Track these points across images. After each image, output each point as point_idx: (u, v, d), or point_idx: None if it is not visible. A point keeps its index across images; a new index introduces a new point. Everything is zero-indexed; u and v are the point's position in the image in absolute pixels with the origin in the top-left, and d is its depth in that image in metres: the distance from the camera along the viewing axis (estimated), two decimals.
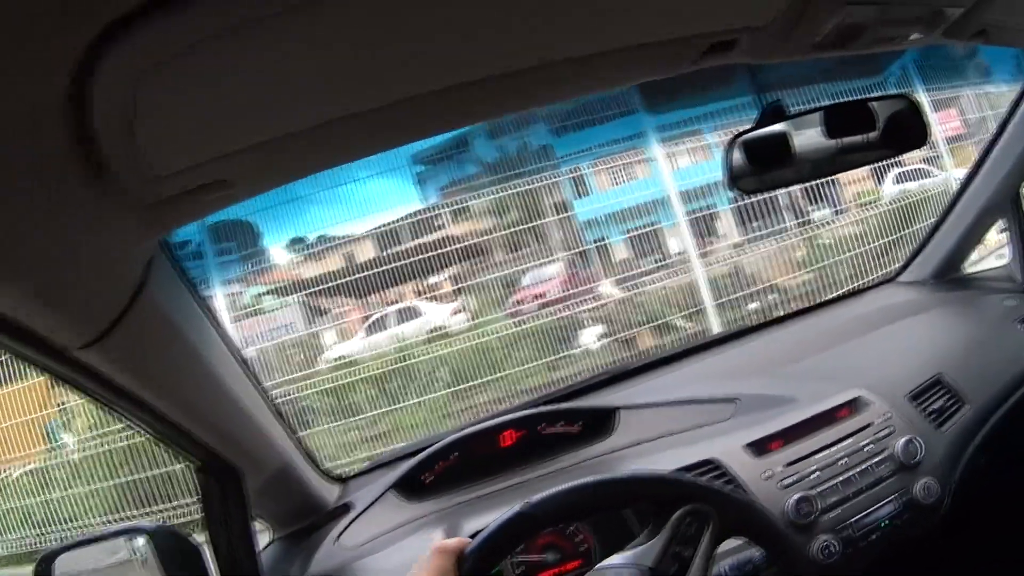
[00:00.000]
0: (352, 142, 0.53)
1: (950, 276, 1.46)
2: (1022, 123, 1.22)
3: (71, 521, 4.77)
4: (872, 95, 0.88)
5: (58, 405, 5.11)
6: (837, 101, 0.88)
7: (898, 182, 5.32)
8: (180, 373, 0.73)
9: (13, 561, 5.07)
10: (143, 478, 4.44)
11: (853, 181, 5.17)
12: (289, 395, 3.97)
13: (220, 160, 0.47)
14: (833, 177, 4.89)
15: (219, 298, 4.07)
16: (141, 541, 0.90)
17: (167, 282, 0.66)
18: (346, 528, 1.09)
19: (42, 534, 4.89)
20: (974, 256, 1.52)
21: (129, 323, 0.57)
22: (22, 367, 4.92)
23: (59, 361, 0.56)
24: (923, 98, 5.15)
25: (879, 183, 5.32)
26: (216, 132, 0.45)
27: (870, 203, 5.09)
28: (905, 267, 1.52)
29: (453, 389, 3.92)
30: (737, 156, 0.85)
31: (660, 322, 4.09)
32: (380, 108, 0.47)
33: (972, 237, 1.42)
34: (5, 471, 5.20)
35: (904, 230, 4.88)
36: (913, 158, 5.60)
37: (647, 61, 0.58)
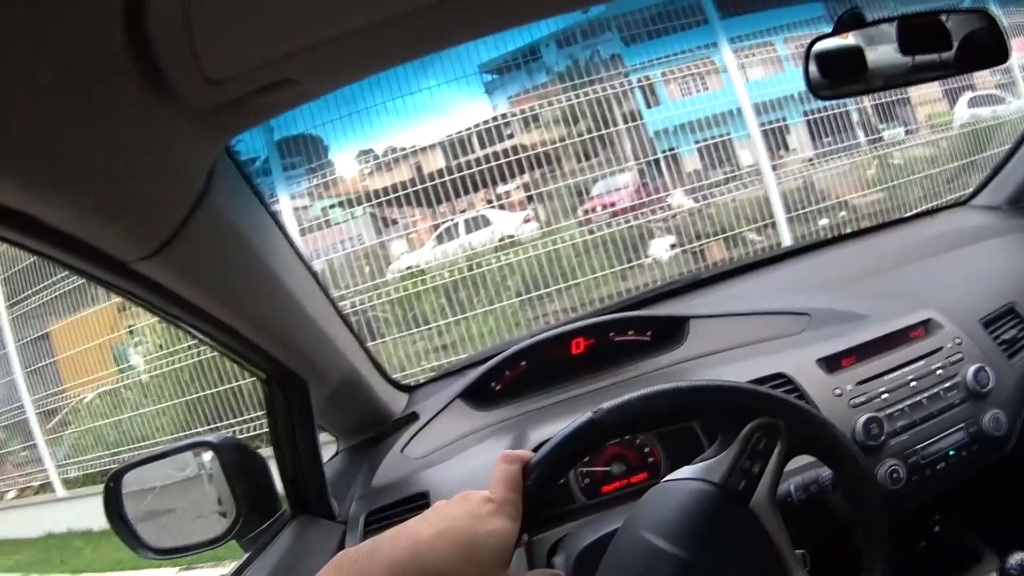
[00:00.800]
0: (421, 37, 0.49)
1: None
2: None
3: (142, 440, 4.95)
4: (950, 7, 0.85)
5: (127, 328, 5.27)
6: (914, 12, 0.86)
7: (972, 106, 5.15)
8: (246, 283, 0.70)
9: (88, 481, 5.31)
10: (211, 394, 4.57)
11: (926, 102, 5.02)
12: (357, 306, 4.03)
13: (284, 59, 0.45)
14: (906, 96, 4.75)
15: (287, 211, 4.12)
16: (208, 456, 0.92)
17: (232, 189, 0.64)
18: (412, 437, 1.08)
19: (115, 454, 5.09)
20: None
21: (191, 233, 0.55)
22: (90, 292, 5.08)
23: (120, 275, 0.55)
24: (1001, 17, 4.94)
25: (952, 106, 5.16)
26: (278, 30, 0.43)
27: (943, 125, 4.95)
28: (979, 191, 1.46)
29: (522, 298, 3.93)
30: (814, 64, 0.85)
31: (730, 234, 4.04)
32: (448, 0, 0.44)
33: None
34: (79, 395, 5.41)
35: (976, 155, 4.74)
36: (987, 83, 5.41)
37: None
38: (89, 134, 0.41)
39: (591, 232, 3.95)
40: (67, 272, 0.57)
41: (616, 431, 0.58)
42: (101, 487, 0.90)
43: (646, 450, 0.95)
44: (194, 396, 4.71)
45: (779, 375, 0.95)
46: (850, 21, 0.82)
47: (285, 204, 4.21)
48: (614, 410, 0.56)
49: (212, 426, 4.63)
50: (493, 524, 0.50)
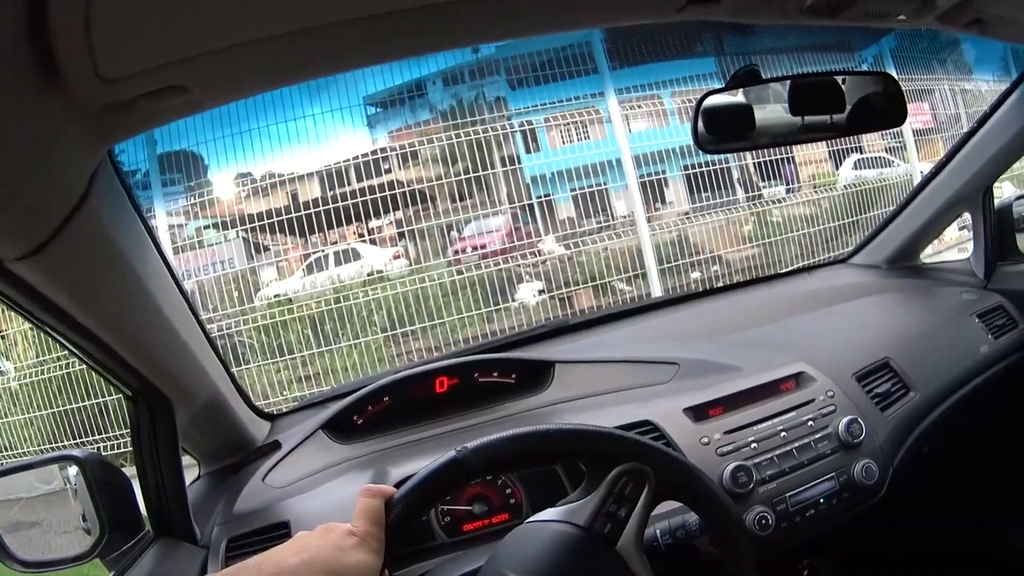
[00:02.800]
0: (319, 56, 0.50)
1: (906, 264, 1.46)
2: (1004, 120, 1.21)
3: (7, 449, 4.74)
4: (851, 69, 0.89)
5: None
6: (811, 72, 0.90)
7: (857, 168, 5.34)
8: (117, 294, 0.69)
9: None
10: (80, 408, 4.41)
11: (811, 162, 5.20)
12: (224, 330, 3.95)
13: (179, 64, 0.44)
14: (790, 155, 4.92)
15: (162, 228, 4.01)
16: (73, 471, 0.90)
17: (111, 198, 0.63)
18: (274, 467, 1.07)
19: None
20: (929, 251, 1.52)
21: (68, 236, 0.54)
22: None
23: None
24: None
25: (837, 166, 5.35)
26: (176, 33, 0.42)
27: (826, 185, 5.13)
28: (859, 249, 1.51)
29: (388, 334, 3.91)
30: (703, 117, 0.86)
31: (600, 282, 4.10)
32: (351, 21, 0.45)
33: (933, 227, 1.41)
34: None
35: (858, 215, 4.92)
36: (876, 146, 5.63)
37: (630, 3, 0.56)
38: None
39: (460, 272, 3.95)
40: None
41: (480, 471, 0.58)
42: None
43: (508, 491, 0.95)
44: (63, 408, 4.53)
45: (645, 422, 0.96)
46: (744, 78, 0.83)
47: (161, 220, 4.11)
48: (478, 450, 0.57)
49: (80, 440, 4.47)
50: (356, 557, 0.50)
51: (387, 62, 0.56)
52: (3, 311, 4.91)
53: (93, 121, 0.48)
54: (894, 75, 0.93)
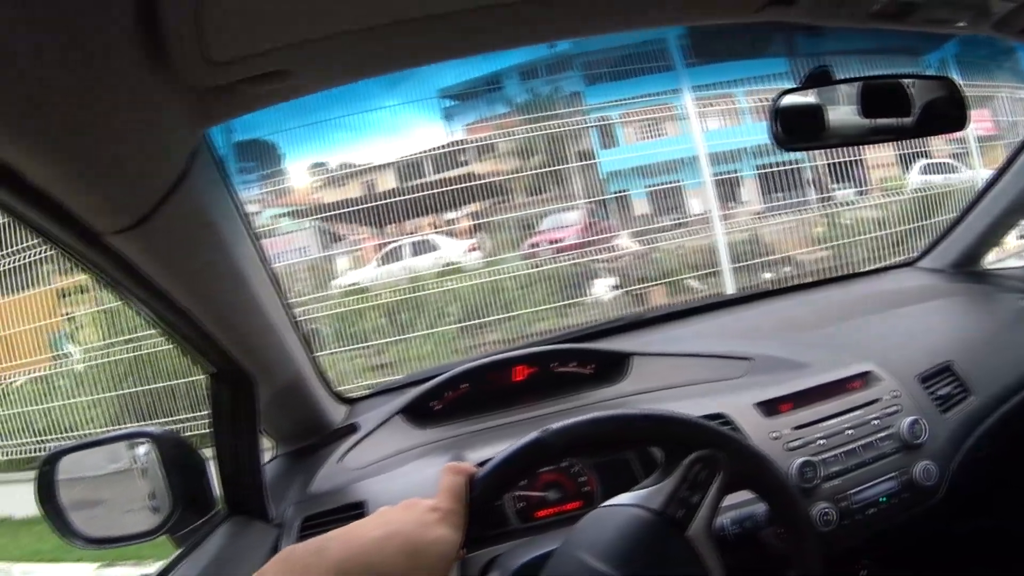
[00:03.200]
0: (417, 46, 0.50)
1: (969, 269, 1.46)
2: None
3: (72, 430, 4.82)
4: (914, 73, 0.88)
5: (66, 315, 5.14)
6: (879, 75, 0.88)
7: (924, 173, 5.28)
8: (209, 271, 0.70)
9: (12, 466, 5.14)
10: (145, 391, 4.48)
11: (880, 165, 5.14)
12: (300, 317, 3.98)
13: (283, 50, 0.45)
14: (861, 158, 4.86)
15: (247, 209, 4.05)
16: (142, 450, 0.91)
17: (208, 177, 0.64)
18: (351, 449, 1.09)
19: (41, 441, 4.95)
20: (991, 256, 1.52)
21: (166, 212, 0.56)
22: (30, 275, 4.95)
23: (90, 245, 0.55)
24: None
25: (905, 171, 5.29)
26: (283, 20, 0.43)
27: (895, 189, 5.07)
28: (925, 253, 1.52)
29: (462, 325, 3.93)
30: (778, 114, 0.87)
31: (673, 279, 4.08)
32: (453, 13, 0.46)
33: (994, 233, 1.42)
34: (9, 378, 5.25)
35: (924, 220, 4.86)
36: (942, 152, 5.56)
37: (709, 3, 0.57)
38: (84, 96, 0.41)
39: (535, 266, 3.96)
40: (38, 239, 0.56)
41: (562, 452, 0.59)
42: (25, 473, 0.87)
43: (582, 479, 0.96)
44: (128, 391, 4.60)
45: (718, 415, 0.98)
46: (818, 77, 0.84)
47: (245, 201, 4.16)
48: (561, 432, 0.57)
49: (145, 423, 4.54)
50: (438, 532, 0.51)
51: (483, 54, 0.57)
52: (72, 293, 5.01)
53: (196, 102, 0.49)
54: (957, 80, 0.94)
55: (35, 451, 4.90)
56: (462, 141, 4.16)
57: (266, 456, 1.09)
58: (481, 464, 0.57)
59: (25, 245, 4.74)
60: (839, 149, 4.60)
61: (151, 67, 0.43)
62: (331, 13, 0.44)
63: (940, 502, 0.97)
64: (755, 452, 0.65)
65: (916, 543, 1.07)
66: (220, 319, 0.76)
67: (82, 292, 4.95)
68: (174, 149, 0.54)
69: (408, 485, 0.95)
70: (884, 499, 0.93)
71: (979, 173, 5.45)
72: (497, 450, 0.58)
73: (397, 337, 3.93)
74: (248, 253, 0.77)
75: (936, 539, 1.09)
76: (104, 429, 4.61)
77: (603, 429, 0.60)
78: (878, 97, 0.87)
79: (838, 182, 4.77)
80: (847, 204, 4.68)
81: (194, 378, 4.30)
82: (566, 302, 3.96)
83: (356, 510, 0.91)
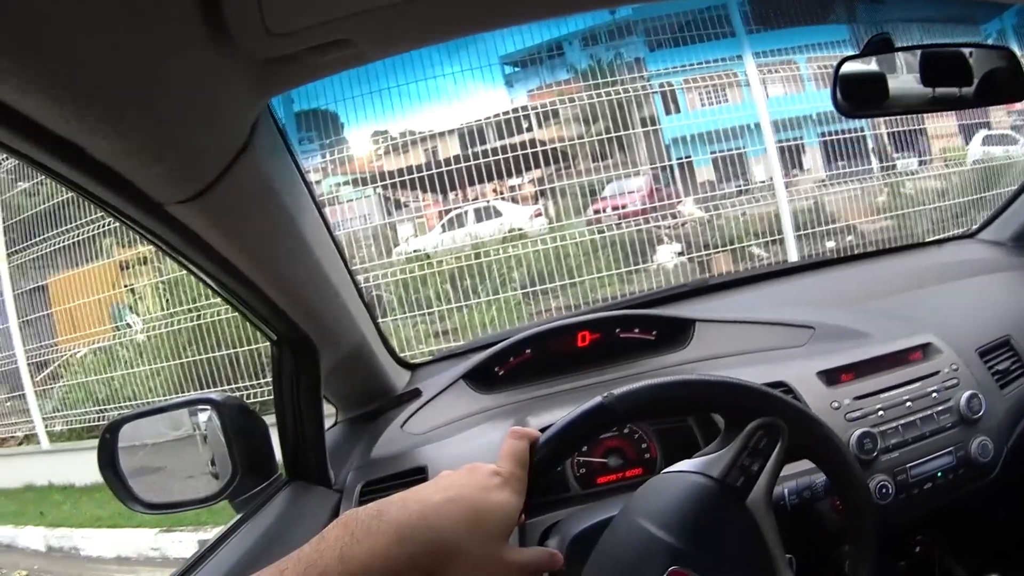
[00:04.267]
0: (478, 11, 0.49)
1: None
2: None
3: (133, 399, 4.93)
4: (973, 42, 0.90)
5: (127, 287, 5.25)
6: (939, 43, 0.89)
7: (986, 144, 5.19)
8: (272, 239, 0.71)
9: (75, 435, 5.28)
10: (205, 359, 4.56)
11: (941, 136, 5.06)
12: (363, 284, 4.02)
13: (344, 19, 0.45)
14: (922, 128, 4.78)
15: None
16: (204, 417, 0.92)
17: (270, 146, 0.64)
18: (413, 414, 1.10)
19: (103, 411, 5.08)
20: None
21: (229, 182, 0.56)
22: (92, 248, 5.06)
23: (153, 216, 0.55)
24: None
25: (967, 141, 5.20)
26: None
27: (956, 160, 4.98)
28: (985, 226, 1.49)
29: (526, 291, 3.94)
30: (841, 81, 0.88)
31: (737, 247, 4.06)
32: None
33: None
34: (72, 349, 5.39)
35: (986, 191, 4.77)
36: (1003, 123, 5.45)
37: None
38: (145, 69, 0.41)
39: (599, 232, 3.96)
40: (101, 212, 0.57)
41: (625, 417, 0.58)
42: (87, 443, 0.90)
43: (643, 445, 0.96)
44: (188, 360, 4.69)
45: (780, 383, 0.96)
46: (879, 44, 0.84)
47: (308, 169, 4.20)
48: (625, 396, 0.57)
49: (205, 392, 4.62)
50: (500, 496, 0.50)
51: (543, 20, 0.57)
52: (133, 265, 5.12)
53: (257, 72, 0.49)
54: (1015, 50, 0.92)
55: (96, 420, 5.04)
56: (524, 107, 4.16)
57: (328, 422, 1.11)
58: (544, 429, 0.57)
59: (86, 220, 4.85)
60: (901, 118, 4.53)
61: (212, 40, 0.43)
62: None
63: (995, 480, 0.95)
64: (816, 421, 0.64)
65: (971, 522, 1.05)
66: (283, 287, 0.77)
67: (142, 264, 5.05)
68: (236, 119, 0.54)
69: (471, 450, 0.95)
70: (940, 474, 0.92)
71: None
72: (560, 415, 0.57)
73: (461, 303, 3.95)
74: (311, 220, 0.78)
75: (990, 519, 1.08)
76: (165, 398, 4.71)
77: (665, 394, 0.59)
78: (938, 66, 0.87)
79: (900, 151, 4.70)
80: (909, 174, 4.61)
81: (254, 346, 4.38)
82: (629, 268, 3.95)
83: (418, 475, 0.92)
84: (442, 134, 4.24)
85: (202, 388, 4.64)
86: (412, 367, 1.25)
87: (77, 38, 0.36)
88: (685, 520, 0.58)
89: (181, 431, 0.96)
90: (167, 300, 4.83)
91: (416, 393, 1.15)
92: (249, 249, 0.68)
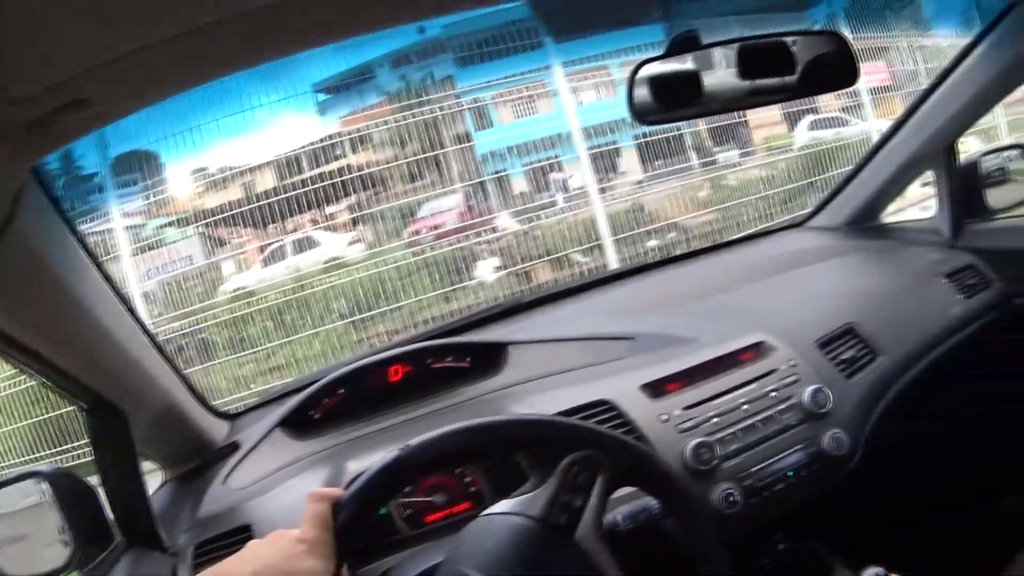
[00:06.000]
0: (214, 55, 0.48)
1: (866, 224, 1.41)
2: (966, 76, 1.16)
3: None
4: (797, 30, 0.85)
5: None
6: (756, 35, 0.84)
7: (813, 128, 5.37)
8: (54, 311, 0.69)
9: None
10: (44, 420, 4.40)
11: (765, 124, 5.22)
12: (188, 328, 3.97)
13: (78, 78, 0.44)
14: (743, 119, 4.94)
15: (120, 231, 4.01)
16: (44, 486, 0.89)
17: (39, 216, 0.62)
18: (234, 468, 1.06)
19: None
20: (891, 208, 1.46)
21: None
22: None
23: None
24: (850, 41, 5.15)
25: (792, 128, 5.37)
26: (69, 47, 0.42)
27: (782, 147, 5.16)
28: (817, 212, 1.46)
29: (349, 320, 3.94)
30: (642, 88, 0.82)
31: (557, 256, 4.13)
32: (242, 15, 0.44)
33: (894, 186, 1.37)
34: None
35: (816, 176, 4.95)
36: (831, 106, 5.64)
37: None
38: None
39: (417, 254, 3.98)
40: None
41: (424, 469, 0.57)
42: None
43: (467, 479, 0.92)
44: (27, 423, 4.52)
45: (602, 402, 0.93)
46: (683, 44, 0.79)
47: (118, 223, 4.10)
48: (419, 448, 0.56)
49: (53, 450, 4.48)
50: (307, 564, 0.51)
51: (290, 53, 0.54)
52: None
53: (8, 142, 0.48)
54: (845, 34, 0.92)
55: None
56: (337, 134, 4.14)
57: (158, 479, 1.10)
58: (353, 481, 0.56)
59: None
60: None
61: None
62: (112, 35, 0.42)
63: (855, 470, 0.93)
64: (631, 446, 0.63)
65: (836, 514, 1.04)
66: (75, 356, 0.75)
67: None
68: None
69: (291, 502, 0.92)
70: (791, 472, 0.89)
71: (873, 125, 5.55)
72: (377, 457, 0.56)
73: (285, 339, 3.93)
74: (94, 286, 0.76)
75: (857, 508, 1.07)
76: (11, 463, 4.53)
77: (464, 441, 0.57)
78: (758, 57, 0.83)
79: (720, 144, 4.85)
80: (732, 166, 4.76)
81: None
82: (451, 287, 3.99)
83: (243, 533, 0.89)
84: (259, 167, 4.19)
85: (55, 446, 4.49)
86: (230, 417, 1.21)
87: None
88: (512, 565, 0.56)
89: (33, 498, 0.91)
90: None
91: (235, 446, 1.11)
92: (31, 324, 0.66)
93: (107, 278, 0.81)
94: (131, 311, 0.88)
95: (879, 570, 0.83)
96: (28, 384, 4.49)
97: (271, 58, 0.53)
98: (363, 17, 0.50)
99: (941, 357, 1.08)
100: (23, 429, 4.60)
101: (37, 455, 4.46)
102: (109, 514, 0.92)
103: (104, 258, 4.01)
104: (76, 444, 4.35)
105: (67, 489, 0.89)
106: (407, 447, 0.56)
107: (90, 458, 0.90)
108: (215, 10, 0.43)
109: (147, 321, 0.98)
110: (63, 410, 4.38)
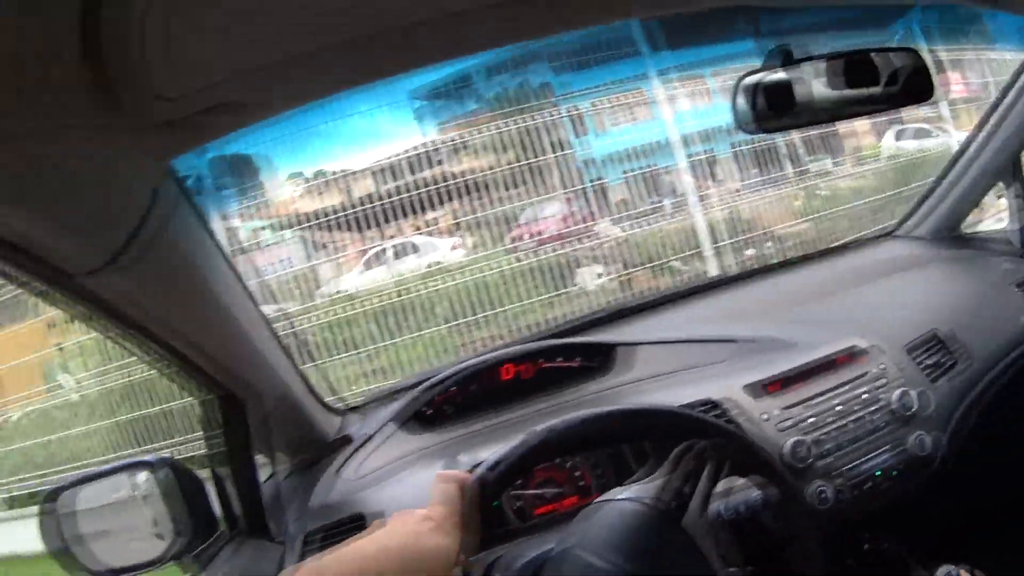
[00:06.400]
0: (366, 64, 0.51)
1: (948, 235, 1.47)
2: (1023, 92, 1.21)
3: (73, 461, 4.80)
4: (878, 46, 0.89)
5: (56, 345, 5.13)
6: (842, 50, 0.88)
7: (898, 139, 5.34)
8: (187, 301, 0.72)
9: (16, 504, 5.13)
10: (144, 415, 4.47)
11: (853, 134, 5.18)
12: (287, 329, 3.98)
13: (231, 81, 0.46)
14: (834, 130, 4.90)
15: (219, 232, 4.05)
16: (142, 478, 0.92)
17: (176, 209, 0.65)
18: (346, 460, 1.10)
19: (43, 476, 4.93)
20: (972, 219, 1.53)
21: (135, 250, 0.57)
22: (16, 309, 4.94)
23: (66, 288, 0.56)
24: (927, 57, 5.13)
25: (879, 139, 5.33)
26: (227, 53, 0.44)
27: (870, 158, 5.11)
28: (903, 221, 1.53)
29: (450, 324, 3.94)
30: (742, 98, 0.87)
31: (657, 264, 4.10)
32: (394, 29, 0.46)
33: (970, 198, 1.42)
34: (4, 414, 5.24)
35: (902, 187, 4.90)
36: (915, 117, 5.60)
37: None
38: (39, 142, 0.41)
39: (518, 260, 3.98)
40: (16, 285, 0.57)
41: (551, 452, 0.61)
42: (30, 510, 0.88)
43: (576, 473, 0.96)
44: (127, 417, 4.59)
45: (707, 401, 0.98)
46: (779, 57, 0.84)
47: (217, 224, 4.15)
48: (557, 429, 0.59)
49: (145, 448, 4.52)
50: (432, 541, 0.52)
51: (429, 65, 0.57)
52: (61, 323, 5.00)
53: (152, 138, 0.50)
54: (921, 49, 0.94)
55: (37, 487, 4.89)
56: (436, 141, 4.18)
57: (267, 472, 1.12)
58: (474, 467, 0.59)
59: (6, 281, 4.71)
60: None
61: (103, 109, 0.43)
62: (271, 41, 0.44)
63: (938, 472, 0.97)
64: (741, 438, 0.67)
65: (919, 515, 1.06)
66: (202, 347, 0.78)
67: (72, 321, 4.95)
68: (136, 186, 0.55)
69: (403, 492, 0.96)
70: (879, 472, 0.94)
71: (954, 136, 5.51)
72: (490, 452, 0.60)
73: (387, 342, 3.93)
74: (224, 277, 0.79)
75: (939, 510, 1.10)
76: (105, 458, 4.60)
77: (589, 428, 0.61)
78: (845, 70, 0.86)
79: (812, 154, 4.81)
80: (824, 175, 4.72)
81: (190, 399, 4.29)
82: (553, 293, 3.98)
83: (356, 522, 0.92)
84: (357, 173, 4.23)
85: (143, 444, 4.54)
86: (342, 412, 1.25)
87: None
88: (623, 547, 0.59)
89: (123, 493, 0.95)
90: (98, 358, 4.73)
91: (348, 439, 1.15)
92: (164, 314, 0.69)
93: (235, 271, 0.83)
94: (255, 304, 0.90)
95: (952, 568, 0.86)
96: (117, 383, 4.58)
97: (408, 70, 0.56)
98: (504, 30, 0.52)
99: (1017, 363, 1.12)
100: (108, 428, 4.67)
101: (121, 454, 4.52)
102: (215, 504, 0.94)
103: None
104: (168, 441, 4.41)
105: (171, 479, 0.90)
106: (534, 431, 0.60)
107: (193, 452, 0.90)
108: (369, 23, 0.45)
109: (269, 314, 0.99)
110: (153, 409, 4.45)
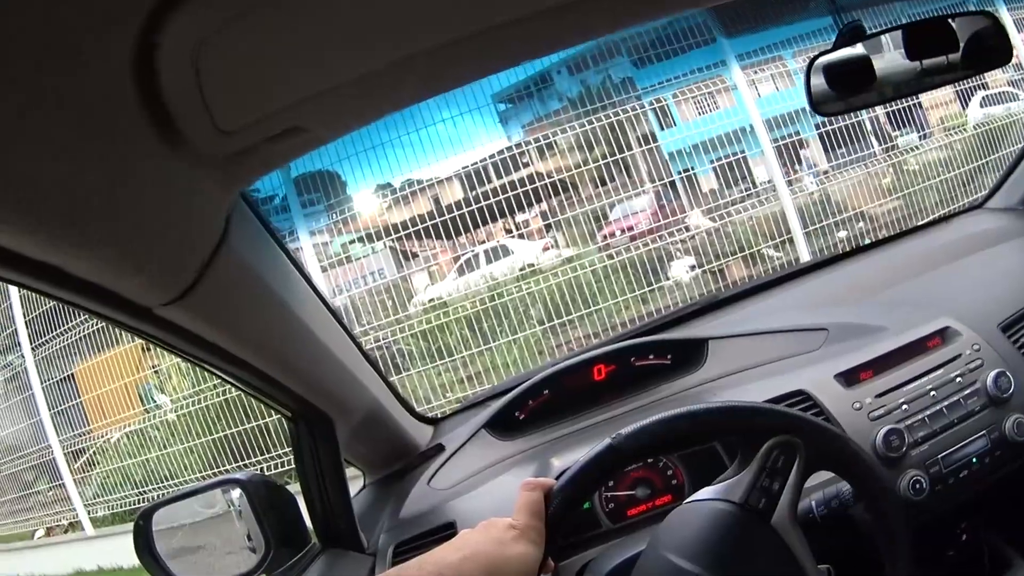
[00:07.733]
0: (426, 80, 0.50)
1: None
2: None
3: (170, 478, 4.98)
4: (953, 12, 0.88)
5: (152, 367, 5.31)
6: (916, 20, 0.87)
7: (984, 105, 5.12)
8: (267, 324, 0.72)
9: (117, 519, 5.34)
10: (237, 432, 4.59)
11: (937, 105, 5.01)
12: (381, 340, 4.05)
13: (292, 108, 0.46)
14: (917, 101, 4.74)
15: (307, 248, 4.14)
16: (236, 493, 0.93)
17: (249, 235, 0.65)
18: (439, 469, 1.10)
19: (141, 493, 5.12)
20: None
21: (212, 278, 0.57)
22: (113, 333, 5.13)
23: (145, 321, 0.56)
24: (1006, 16, 4.93)
25: (964, 107, 5.14)
26: (285, 80, 0.44)
27: (957, 127, 4.93)
28: (993, 193, 1.44)
29: (546, 326, 3.95)
30: (817, 79, 0.84)
31: (749, 251, 4.04)
32: (453, 41, 0.45)
33: None
34: (105, 435, 5.46)
35: (991, 155, 4.71)
36: (999, 81, 5.38)
37: None
38: (109, 187, 0.42)
39: (611, 257, 3.96)
40: (93, 318, 0.58)
41: (634, 456, 0.61)
42: (129, 525, 0.92)
43: (669, 472, 0.95)
44: (220, 434, 4.73)
45: (798, 392, 0.96)
46: (850, 35, 0.82)
47: (305, 241, 4.25)
48: (632, 436, 0.58)
49: (239, 463, 4.65)
50: (517, 549, 0.52)
51: (490, 74, 0.56)
52: (155, 347, 5.18)
53: (220, 169, 0.50)
54: (997, 11, 0.89)
55: (136, 503, 5.08)
56: (521, 143, 4.18)
57: (357, 485, 1.14)
58: (563, 473, 0.58)
59: None
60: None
61: (166, 145, 0.43)
62: (329, 66, 0.44)
63: None
64: (829, 432, 0.64)
65: (1017, 503, 1.01)
66: (286, 366, 0.78)
67: None
68: (207, 216, 0.55)
69: (496, 499, 0.95)
70: (976, 460, 0.89)
71: None
72: (582, 453, 0.59)
73: (482, 347, 3.96)
74: (303, 296, 0.79)
75: None
76: (200, 475, 4.75)
77: (672, 428, 0.60)
78: (922, 38, 0.85)
79: (899, 128, 4.67)
80: (912, 150, 4.57)
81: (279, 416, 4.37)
82: (646, 289, 3.95)
83: (447, 530, 0.92)
84: (444, 180, 4.27)
85: (235, 461, 4.67)
86: (434, 421, 1.25)
87: (40, 170, 0.37)
88: (711, 549, 0.59)
89: (216, 509, 0.97)
90: (192, 378, 4.88)
91: (440, 448, 1.15)
92: (245, 337, 0.69)
93: (315, 289, 0.82)
94: (338, 320, 0.89)
95: None
96: (211, 402, 4.72)
97: (470, 80, 0.54)
98: (554, 35, 0.49)
99: None
100: (204, 445, 4.81)
101: (217, 471, 4.66)
102: (306, 518, 0.93)
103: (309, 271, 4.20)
104: (261, 457, 4.52)
105: (262, 494, 0.90)
106: (618, 435, 0.58)
107: (282, 468, 0.89)
108: (427, 38, 0.43)
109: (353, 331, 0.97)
110: (246, 426, 4.57)
